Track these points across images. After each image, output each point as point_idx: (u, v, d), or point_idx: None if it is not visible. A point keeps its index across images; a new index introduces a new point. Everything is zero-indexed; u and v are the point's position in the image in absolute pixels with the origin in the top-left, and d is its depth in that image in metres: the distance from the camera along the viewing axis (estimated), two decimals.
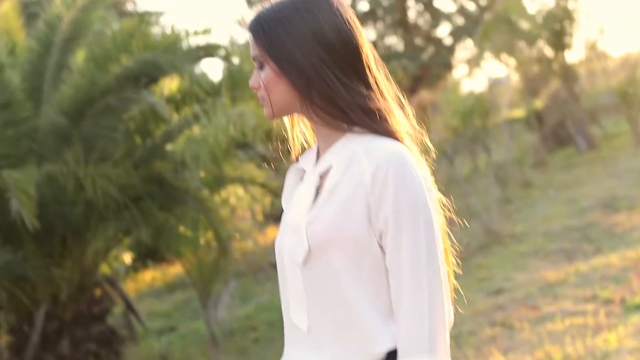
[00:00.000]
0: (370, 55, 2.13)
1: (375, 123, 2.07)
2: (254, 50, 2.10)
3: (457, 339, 6.73)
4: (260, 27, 2.09)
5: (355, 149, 2.05)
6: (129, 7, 26.07)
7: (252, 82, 2.12)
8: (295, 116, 2.25)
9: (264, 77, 2.08)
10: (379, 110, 2.08)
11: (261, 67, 2.09)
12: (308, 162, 2.19)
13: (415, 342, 1.97)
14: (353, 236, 2.00)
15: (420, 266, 1.97)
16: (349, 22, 2.11)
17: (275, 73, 2.07)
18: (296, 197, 2.16)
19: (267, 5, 2.13)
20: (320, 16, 2.08)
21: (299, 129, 2.28)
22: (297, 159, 2.27)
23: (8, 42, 8.45)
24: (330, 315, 2.06)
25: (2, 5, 8.93)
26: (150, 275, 13.06)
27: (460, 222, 2.29)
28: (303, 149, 2.28)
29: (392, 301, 2.01)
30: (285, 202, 2.24)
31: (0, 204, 7.12)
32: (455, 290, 2.22)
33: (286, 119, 2.28)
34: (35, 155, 7.63)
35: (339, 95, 2.05)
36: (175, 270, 12.56)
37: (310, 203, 2.09)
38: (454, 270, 2.22)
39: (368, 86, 2.10)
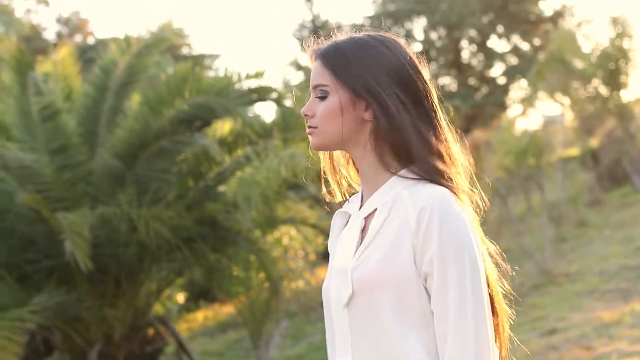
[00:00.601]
0: (436, 98, 2.16)
1: (431, 166, 2.08)
2: (320, 79, 2.09)
3: None
4: (339, 56, 2.10)
5: (399, 192, 2.07)
6: (185, 51, 26.49)
7: (307, 109, 2.11)
8: (335, 160, 2.28)
9: (324, 107, 2.08)
10: (440, 154, 2.10)
11: (323, 97, 2.09)
12: (353, 206, 2.21)
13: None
14: (398, 278, 2.01)
15: (466, 308, 1.98)
16: (418, 64, 2.14)
17: (341, 105, 2.07)
18: (342, 240, 2.18)
19: (343, 37, 2.15)
20: (398, 54, 2.11)
21: (341, 174, 2.29)
22: (342, 204, 2.28)
23: (65, 88, 8.66)
24: (376, 356, 2.06)
25: (60, 51, 9.15)
26: (202, 315, 13.15)
27: (514, 261, 2.29)
28: (348, 194, 2.29)
29: (437, 342, 2.01)
30: (331, 246, 2.27)
31: (55, 246, 7.27)
32: (511, 329, 2.21)
33: (327, 163, 2.29)
34: (89, 197, 7.76)
35: (409, 136, 2.07)
36: (227, 309, 12.62)
37: (356, 246, 2.11)
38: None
39: (434, 127, 2.12)
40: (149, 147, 7.79)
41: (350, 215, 2.21)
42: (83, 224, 6.83)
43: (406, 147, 2.09)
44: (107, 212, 7.36)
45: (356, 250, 2.09)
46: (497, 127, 26.04)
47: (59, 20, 32.63)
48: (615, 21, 19.28)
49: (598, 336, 7.43)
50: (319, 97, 2.10)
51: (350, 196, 2.29)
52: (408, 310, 2.03)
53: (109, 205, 7.49)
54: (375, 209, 2.11)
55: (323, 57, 2.12)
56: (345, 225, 2.23)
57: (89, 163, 7.88)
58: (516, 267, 2.46)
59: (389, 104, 2.07)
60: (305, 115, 2.11)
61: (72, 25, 32.49)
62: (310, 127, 2.11)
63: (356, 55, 2.09)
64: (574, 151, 22.97)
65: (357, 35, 2.16)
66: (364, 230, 2.13)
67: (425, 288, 2.02)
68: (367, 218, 2.14)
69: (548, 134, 21.74)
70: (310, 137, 2.12)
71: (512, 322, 2.25)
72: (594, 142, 21.00)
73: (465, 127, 28.53)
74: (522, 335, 7.72)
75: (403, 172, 2.10)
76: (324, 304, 2.22)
